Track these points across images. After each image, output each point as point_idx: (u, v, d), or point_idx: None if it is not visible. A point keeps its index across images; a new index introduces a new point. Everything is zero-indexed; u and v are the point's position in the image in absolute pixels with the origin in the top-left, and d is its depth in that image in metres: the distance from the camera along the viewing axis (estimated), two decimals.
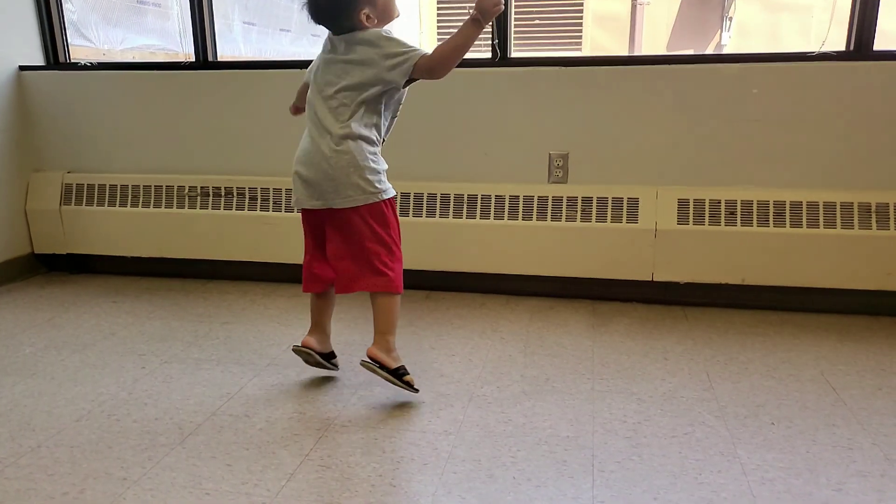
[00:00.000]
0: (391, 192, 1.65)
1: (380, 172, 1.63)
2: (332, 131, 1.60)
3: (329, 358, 1.79)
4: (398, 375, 1.61)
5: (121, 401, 1.66)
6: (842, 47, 2.20)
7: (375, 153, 1.63)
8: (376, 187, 1.60)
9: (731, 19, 5.89)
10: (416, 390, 1.64)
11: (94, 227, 2.67)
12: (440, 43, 1.58)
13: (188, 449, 1.43)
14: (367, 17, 1.59)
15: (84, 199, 2.67)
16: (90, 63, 2.72)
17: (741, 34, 5.84)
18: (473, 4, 1.52)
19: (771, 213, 2.20)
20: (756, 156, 2.23)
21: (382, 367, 1.60)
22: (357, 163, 1.59)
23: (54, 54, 2.75)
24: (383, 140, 1.69)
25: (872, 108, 2.13)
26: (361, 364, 1.62)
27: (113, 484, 1.31)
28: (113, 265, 2.71)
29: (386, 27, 1.65)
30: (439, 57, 1.55)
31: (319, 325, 1.77)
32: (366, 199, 1.59)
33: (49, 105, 2.69)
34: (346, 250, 1.63)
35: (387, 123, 1.68)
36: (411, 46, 1.58)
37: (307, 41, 5.25)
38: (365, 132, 1.60)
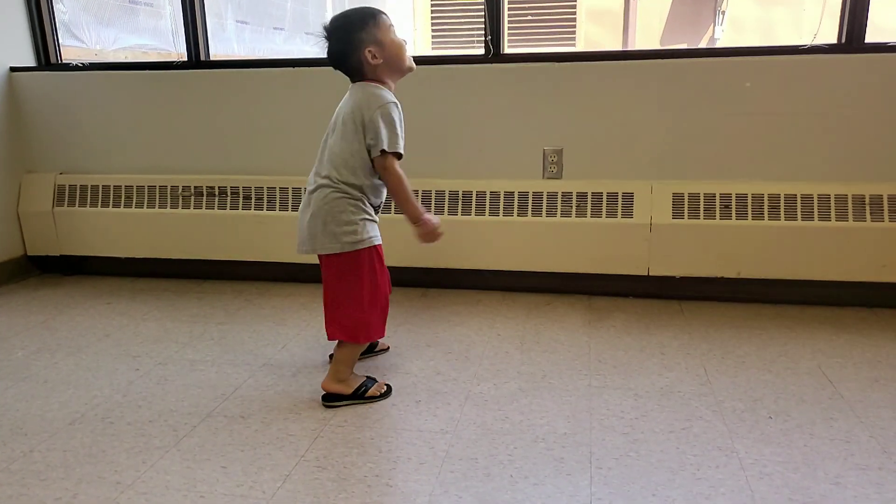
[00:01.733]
0: (366, 243, 1.61)
1: (353, 223, 1.59)
2: (318, 174, 1.64)
3: (373, 346, 1.90)
4: (359, 396, 1.64)
5: (115, 403, 1.64)
6: (834, 40, 2.20)
7: (358, 203, 1.61)
8: (342, 240, 1.59)
9: (723, 13, 5.89)
10: (386, 392, 1.66)
11: (88, 228, 2.66)
12: (399, 181, 1.60)
13: (183, 451, 1.42)
14: (373, 55, 1.59)
15: (77, 201, 2.66)
16: (82, 63, 2.70)
17: (734, 28, 5.84)
18: (433, 219, 1.63)
19: (766, 207, 2.19)
20: (750, 149, 2.22)
21: (340, 397, 1.63)
22: (331, 212, 1.60)
23: (45, 55, 2.73)
24: (375, 208, 1.66)
25: (865, 100, 2.13)
26: (323, 404, 1.63)
27: (106, 488, 1.30)
28: (107, 266, 2.70)
29: (388, 78, 1.64)
30: (395, 180, 1.60)
31: None
32: (339, 248, 1.60)
33: (41, 106, 2.67)
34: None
35: (377, 185, 1.64)
36: (393, 133, 1.57)
37: (301, 39, 5.23)
38: (349, 180, 1.60)
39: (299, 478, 1.32)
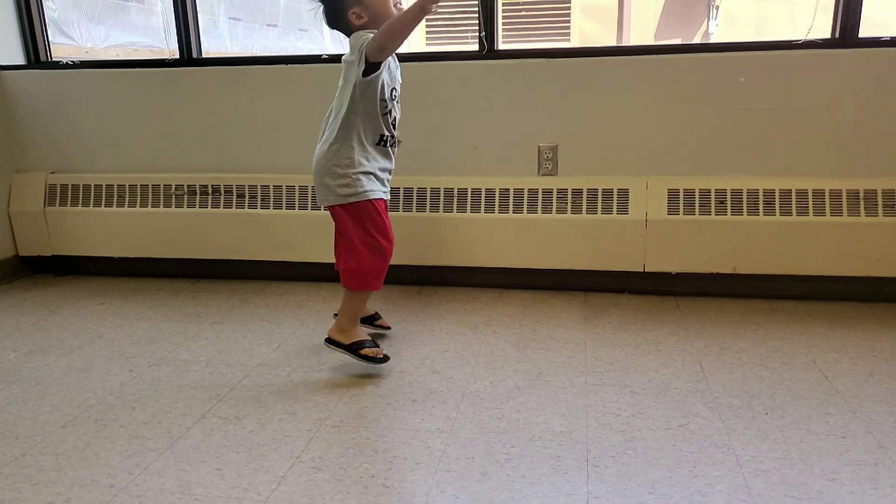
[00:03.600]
0: (359, 197, 1.71)
1: (346, 176, 1.70)
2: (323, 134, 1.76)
3: (371, 321, 1.99)
4: (354, 350, 1.75)
5: (108, 405, 1.63)
6: (828, 35, 2.19)
7: (349, 157, 1.70)
8: (336, 192, 1.71)
9: (717, 8, 5.89)
10: (381, 360, 1.76)
11: (80, 227, 2.64)
12: (389, 23, 1.60)
13: (177, 453, 1.41)
14: (357, 15, 1.68)
15: (69, 200, 2.63)
16: (72, 61, 2.67)
17: (728, 23, 5.84)
18: None
19: (760, 202, 2.19)
20: (745, 144, 2.22)
21: (337, 343, 1.76)
22: (325, 166, 1.73)
23: (35, 53, 2.71)
24: (382, 139, 1.74)
25: (859, 95, 2.13)
26: (325, 342, 1.79)
27: (99, 491, 1.29)
28: (100, 266, 2.68)
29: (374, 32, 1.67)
30: (378, 36, 1.60)
31: None
32: (334, 200, 1.73)
33: (31, 105, 2.65)
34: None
35: (373, 123, 1.71)
36: (368, 38, 1.63)
37: (294, 36, 5.20)
38: (339, 135, 1.70)
39: (295, 479, 1.31)
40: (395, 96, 1.77)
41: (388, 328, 2.03)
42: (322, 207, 1.79)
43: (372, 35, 1.62)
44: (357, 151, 1.71)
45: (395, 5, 1.72)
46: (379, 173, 1.75)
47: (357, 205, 1.72)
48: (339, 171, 1.70)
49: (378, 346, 1.80)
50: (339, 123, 1.70)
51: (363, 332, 1.81)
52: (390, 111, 1.74)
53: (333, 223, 1.82)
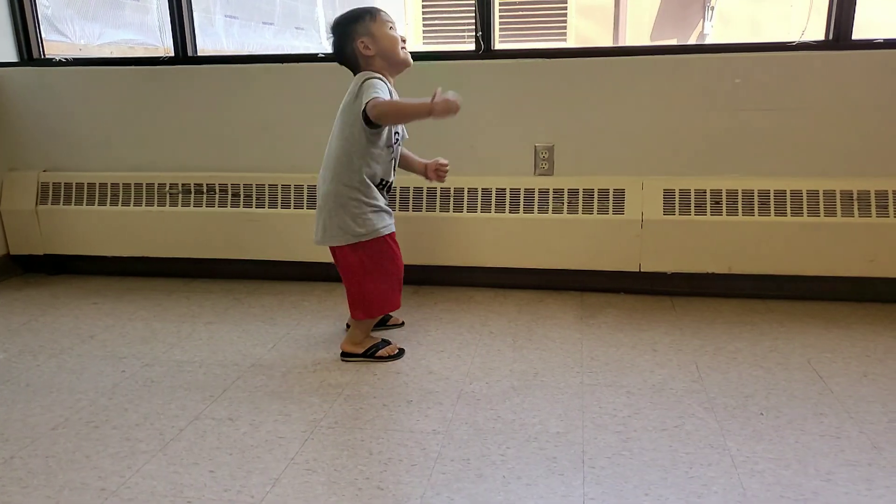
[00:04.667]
0: (370, 235, 1.74)
1: (357, 216, 1.72)
2: (323, 173, 1.78)
3: (385, 320, 2.03)
4: (369, 355, 1.83)
5: (100, 407, 1.61)
6: (821, 36, 2.20)
7: (362, 196, 1.72)
8: (348, 233, 1.74)
9: (712, 9, 5.91)
10: (398, 356, 1.84)
11: (73, 226, 2.62)
12: (391, 105, 1.65)
13: (169, 456, 1.40)
14: (365, 45, 1.70)
15: (61, 199, 2.61)
16: (65, 59, 2.65)
17: (723, 23, 5.86)
18: (438, 95, 1.60)
19: (756, 202, 2.19)
20: (740, 145, 2.22)
21: (353, 355, 1.83)
22: (336, 202, 1.74)
23: (28, 50, 2.68)
24: (382, 183, 1.77)
25: (852, 96, 2.13)
26: (340, 358, 1.84)
27: (90, 495, 1.27)
28: (92, 266, 2.66)
29: (384, 69, 1.72)
30: (383, 107, 1.62)
31: None
32: (343, 241, 1.75)
33: (23, 102, 2.63)
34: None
35: (374, 165, 1.73)
36: (375, 94, 1.64)
37: (290, 34, 5.18)
38: (346, 175, 1.72)
39: (289, 481, 1.31)
40: (398, 140, 1.80)
41: (401, 324, 2.06)
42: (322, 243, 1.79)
43: (376, 95, 1.62)
44: (362, 192, 1.73)
45: (401, 48, 1.74)
46: (381, 202, 1.78)
47: (370, 242, 1.75)
48: (349, 211, 1.72)
49: (390, 344, 1.87)
50: (345, 164, 1.71)
51: (373, 337, 1.88)
52: (394, 157, 1.78)
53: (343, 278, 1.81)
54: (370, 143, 1.71)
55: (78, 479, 1.32)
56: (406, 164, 1.94)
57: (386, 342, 1.86)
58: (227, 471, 1.34)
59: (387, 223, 1.78)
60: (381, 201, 1.77)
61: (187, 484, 1.30)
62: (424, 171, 1.93)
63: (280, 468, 1.35)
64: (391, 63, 1.73)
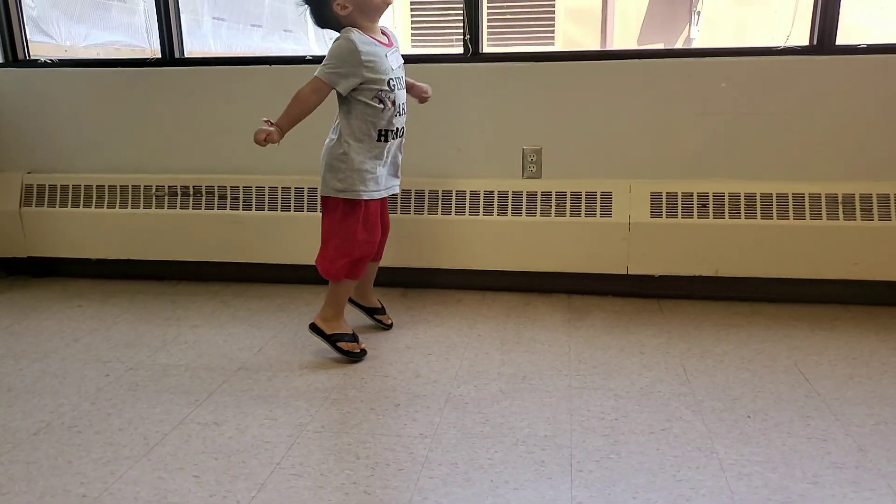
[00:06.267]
0: (347, 194, 1.76)
1: (340, 170, 1.75)
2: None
3: (372, 312, 2.04)
4: (333, 342, 1.83)
5: (82, 411, 1.59)
6: (806, 41, 2.22)
7: (356, 150, 1.74)
8: (328, 185, 1.78)
9: (698, 14, 5.96)
10: (357, 355, 1.82)
11: (57, 229, 2.58)
12: (297, 97, 1.73)
13: (153, 461, 1.38)
14: (341, 6, 1.70)
15: (46, 201, 2.58)
16: (51, 60, 2.62)
17: (709, 28, 5.91)
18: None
19: (742, 206, 2.21)
20: (726, 148, 2.24)
21: (319, 331, 1.83)
22: (324, 158, 1.80)
23: (13, 51, 2.65)
24: (381, 135, 1.77)
25: (837, 100, 2.15)
26: (308, 328, 1.86)
27: (72, 501, 1.25)
28: (77, 268, 2.63)
29: (364, 20, 1.72)
30: (303, 96, 1.72)
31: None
32: (325, 192, 1.79)
33: (8, 104, 2.59)
34: None
35: (367, 120, 1.74)
36: (328, 64, 1.68)
37: (279, 37, 5.16)
38: (337, 130, 1.77)
39: (274, 486, 1.29)
40: (394, 87, 1.77)
41: (388, 326, 2.06)
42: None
43: (325, 65, 1.68)
44: (352, 149, 1.74)
45: None
46: (374, 171, 1.77)
47: (344, 200, 1.76)
48: (333, 164, 1.76)
49: (357, 341, 1.85)
50: (336, 120, 1.77)
51: (346, 325, 1.87)
52: (386, 105, 1.75)
53: (321, 224, 1.84)
54: (353, 100, 1.73)
55: (60, 486, 1.30)
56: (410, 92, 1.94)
57: (354, 338, 1.85)
58: (213, 476, 1.33)
59: (371, 188, 1.77)
60: (371, 164, 1.76)
61: (172, 489, 1.28)
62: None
63: (266, 473, 1.33)
64: (370, 9, 1.72)
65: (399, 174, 1.91)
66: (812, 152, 2.20)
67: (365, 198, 1.77)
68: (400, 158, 1.89)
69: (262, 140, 1.68)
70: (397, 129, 1.81)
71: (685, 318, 2.13)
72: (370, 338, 1.99)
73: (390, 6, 1.78)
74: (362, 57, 1.68)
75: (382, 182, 1.81)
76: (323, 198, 1.80)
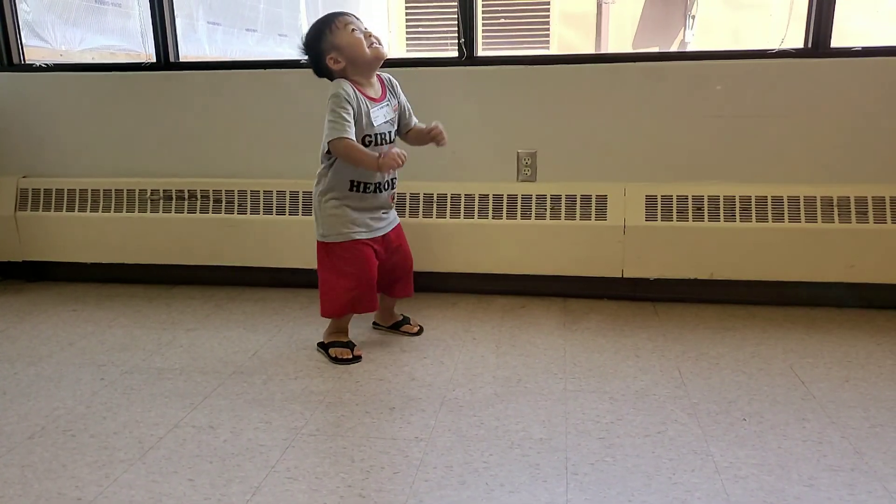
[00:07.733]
0: (330, 238, 1.81)
1: (326, 216, 1.80)
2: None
3: (397, 327, 2.05)
4: (324, 348, 1.89)
5: (77, 415, 1.59)
6: (800, 44, 2.23)
7: (332, 198, 1.79)
8: (318, 231, 1.83)
9: (693, 17, 5.98)
10: (347, 361, 1.83)
11: (52, 233, 2.58)
12: (352, 143, 1.70)
13: (148, 464, 1.38)
14: (334, 60, 1.74)
15: (41, 205, 2.57)
16: (46, 64, 2.62)
17: (704, 31, 5.94)
18: (384, 154, 1.68)
19: (737, 208, 2.21)
20: (721, 151, 2.24)
21: (320, 344, 1.91)
22: (314, 203, 1.85)
23: (8, 55, 2.64)
24: (352, 185, 1.78)
25: (831, 103, 2.16)
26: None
27: None
28: (72, 272, 2.62)
29: (356, 75, 1.76)
30: (340, 150, 1.71)
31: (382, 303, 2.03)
32: (316, 237, 1.84)
33: (2, 108, 2.59)
34: None
35: (344, 167, 1.76)
36: (333, 123, 1.69)
37: (273, 41, 5.16)
38: (322, 173, 1.81)
39: (270, 489, 1.29)
40: (380, 142, 1.79)
41: (416, 333, 2.04)
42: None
43: (337, 133, 1.68)
44: (327, 195, 1.79)
45: (369, 46, 1.75)
46: (348, 216, 1.79)
47: (330, 245, 1.81)
48: (320, 212, 1.81)
49: (350, 349, 1.86)
50: (321, 167, 1.80)
51: (345, 336, 1.90)
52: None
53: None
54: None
55: (54, 489, 1.30)
56: (420, 140, 1.93)
57: (347, 345, 1.86)
58: (207, 479, 1.32)
59: (354, 230, 1.79)
60: (353, 208, 1.79)
61: (166, 493, 1.28)
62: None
63: (261, 476, 1.33)
64: (362, 67, 1.76)
65: (390, 214, 1.91)
66: (807, 155, 2.21)
67: (354, 238, 1.80)
68: (389, 210, 1.91)
69: (401, 162, 1.69)
70: (378, 183, 1.81)
71: (680, 321, 2.13)
72: (365, 343, 1.98)
73: (381, 61, 1.79)
74: (358, 101, 1.74)
75: (363, 224, 1.81)
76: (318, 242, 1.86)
